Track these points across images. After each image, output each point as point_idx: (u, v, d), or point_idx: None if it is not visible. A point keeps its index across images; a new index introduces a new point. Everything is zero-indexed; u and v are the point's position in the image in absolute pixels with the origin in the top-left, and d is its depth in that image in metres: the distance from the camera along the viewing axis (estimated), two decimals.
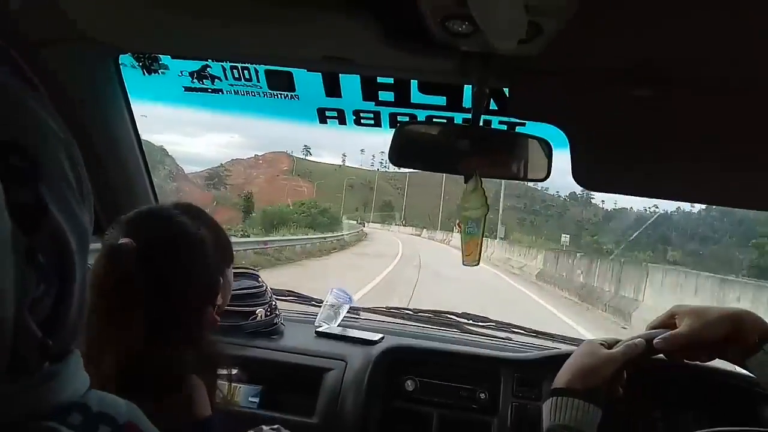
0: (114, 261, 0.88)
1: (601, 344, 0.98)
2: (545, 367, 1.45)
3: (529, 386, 1.49)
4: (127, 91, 1.33)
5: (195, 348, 0.95)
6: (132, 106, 1.37)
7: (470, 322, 2.08)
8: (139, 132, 1.38)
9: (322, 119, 1.34)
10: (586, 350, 0.97)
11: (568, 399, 0.89)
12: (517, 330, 2.08)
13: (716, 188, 1.18)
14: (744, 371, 0.97)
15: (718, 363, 1.03)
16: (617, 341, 0.98)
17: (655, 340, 0.95)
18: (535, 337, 2.03)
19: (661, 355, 0.96)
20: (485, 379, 1.55)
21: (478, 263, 1.18)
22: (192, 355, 0.94)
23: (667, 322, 0.99)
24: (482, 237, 1.17)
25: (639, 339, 0.97)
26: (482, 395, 1.52)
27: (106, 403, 0.58)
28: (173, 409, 0.84)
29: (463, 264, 1.20)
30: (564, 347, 1.84)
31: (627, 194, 1.20)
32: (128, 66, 1.32)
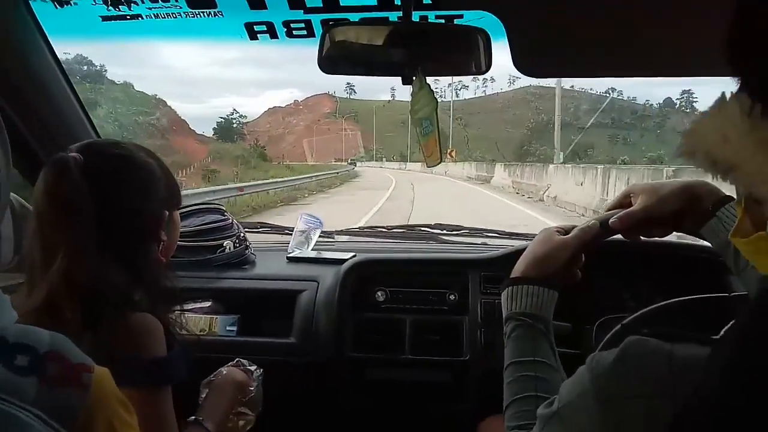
0: (60, 173, 0.88)
1: (557, 231, 0.97)
2: (511, 263, 1.45)
3: (496, 283, 1.51)
4: (43, 27, 1.26)
5: (141, 283, 0.94)
6: (51, 42, 1.29)
7: (444, 232, 2.09)
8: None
9: (252, 35, 1.27)
10: (541, 238, 0.97)
11: (523, 287, 0.90)
12: (491, 234, 2.10)
13: (651, 60, 1.14)
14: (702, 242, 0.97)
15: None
16: (573, 227, 0.98)
17: (610, 221, 0.94)
18: (509, 238, 2.05)
19: (619, 235, 0.97)
20: (453, 281, 1.58)
21: (441, 160, 1.17)
22: (139, 292, 0.94)
23: (623, 201, 0.98)
24: (438, 132, 1.14)
25: (593, 221, 0.96)
26: (452, 297, 1.55)
27: (26, 334, 0.57)
28: (117, 344, 0.84)
29: (427, 166, 1.19)
30: None
31: (567, 76, 1.17)
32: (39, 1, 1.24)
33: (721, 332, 0.62)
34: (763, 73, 0.43)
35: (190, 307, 1.63)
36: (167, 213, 1.02)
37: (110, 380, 0.61)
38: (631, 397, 0.53)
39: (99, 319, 0.85)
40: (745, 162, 0.43)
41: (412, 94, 1.13)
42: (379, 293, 1.57)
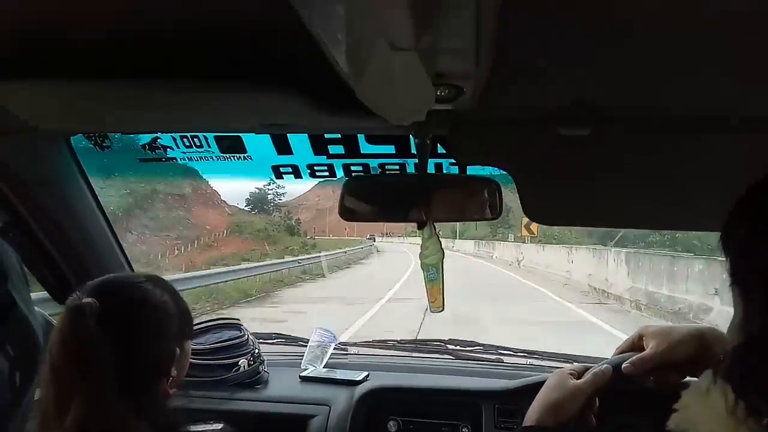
0: (77, 321, 0.89)
1: (570, 374, 0.98)
2: (525, 396, 1.45)
3: (509, 416, 1.50)
4: (84, 167, 1.36)
5: (148, 419, 0.94)
6: (91, 180, 1.40)
7: (458, 348, 2.08)
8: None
9: (278, 175, 1.36)
10: (554, 383, 0.97)
11: None
12: (505, 352, 2.08)
13: (653, 215, 1.20)
14: None
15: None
16: (586, 369, 0.99)
17: (623, 365, 0.95)
18: (524, 357, 2.03)
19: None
20: (467, 412, 1.56)
21: (443, 308, 1.21)
22: (147, 427, 0.94)
23: (636, 344, 0.99)
24: (443, 282, 1.19)
25: (606, 366, 0.97)
26: (465, 430, 1.53)
27: None
28: None
29: (431, 311, 1.23)
30: (551, 364, 1.84)
31: (575, 225, 1.21)
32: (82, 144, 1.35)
33: None
34: (745, 369, 0.47)
35: (201, 429, 1.62)
36: (178, 351, 1.03)
37: None
38: None
39: None
40: None
41: (422, 240, 1.19)
42: (391, 423, 1.56)
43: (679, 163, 1.06)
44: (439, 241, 1.17)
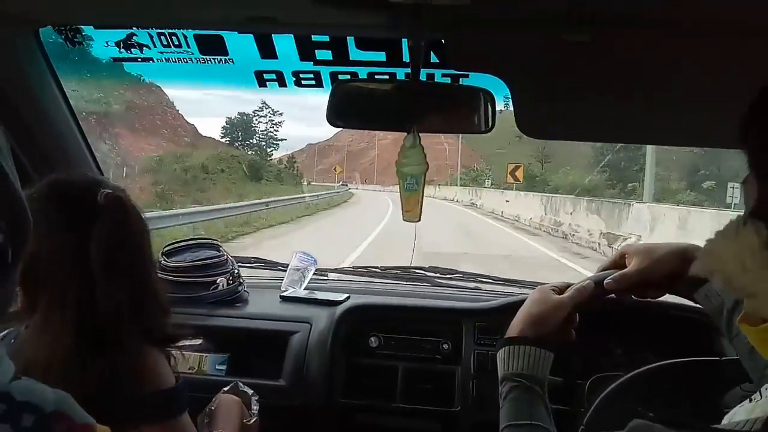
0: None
1: (552, 289, 0.98)
2: (505, 314, 1.46)
3: (490, 334, 1.52)
4: (53, 65, 1.28)
5: (141, 319, 0.95)
6: (61, 79, 1.31)
7: (437, 275, 2.10)
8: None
9: (261, 83, 1.30)
10: (536, 297, 0.98)
11: (519, 347, 0.90)
12: (484, 279, 2.11)
13: (655, 129, 1.18)
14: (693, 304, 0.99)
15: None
16: (568, 285, 0.99)
17: (605, 281, 0.96)
18: (503, 284, 2.06)
19: (613, 295, 0.98)
20: (448, 330, 1.58)
21: (419, 219, 1.20)
22: (142, 327, 0.95)
23: (618, 262, 1.00)
24: (422, 193, 1.18)
25: (588, 281, 0.98)
26: (445, 346, 1.55)
27: (32, 392, 0.57)
28: (132, 377, 0.87)
29: (404, 219, 1.22)
30: (528, 292, 1.87)
31: (571, 140, 1.19)
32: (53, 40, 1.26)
33: (723, 421, 0.63)
34: None
35: (180, 344, 1.62)
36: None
37: None
38: None
39: (120, 350, 0.87)
40: (763, 293, 0.45)
41: (402, 148, 1.16)
42: (372, 338, 1.57)
43: (681, 73, 1.03)
44: (423, 153, 1.15)
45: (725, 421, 0.67)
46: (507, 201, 23.05)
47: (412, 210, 1.15)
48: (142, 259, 0.96)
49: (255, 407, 1.19)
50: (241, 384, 1.22)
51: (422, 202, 1.15)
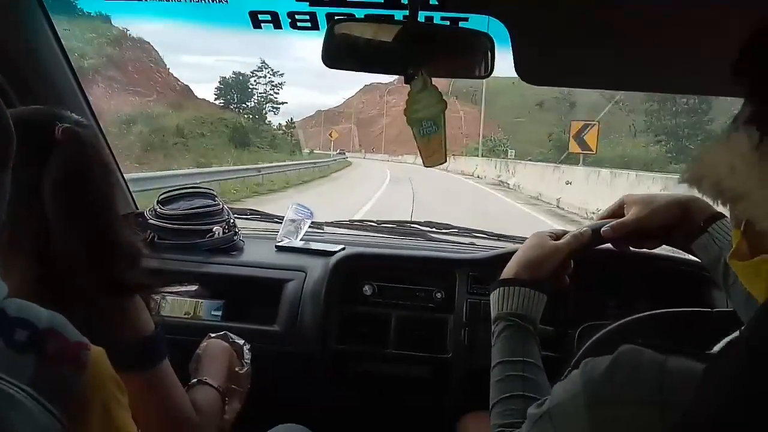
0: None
1: (549, 235, 0.99)
2: (498, 264, 1.46)
3: (483, 283, 1.54)
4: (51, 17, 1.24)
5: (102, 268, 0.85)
6: (52, 17, 1.28)
7: (433, 230, 2.10)
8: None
9: (256, 24, 1.26)
10: (533, 242, 0.98)
11: (513, 288, 0.91)
12: (479, 234, 2.12)
13: (657, 75, 1.16)
14: (691, 256, 0.99)
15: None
16: (565, 232, 0.99)
17: (602, 229, 0.95)
18: (497, 239, 2.07)
19: (609, 244, 0.98)
20: (441, 279, 1.59)
21: (445, 160, 1.13)
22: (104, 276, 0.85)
23: (617, 211, 0.99)
24: (445, 133, 1.11)
25: (585, 229, 0.98)
26: (438, 295, 1.57)
27: (25, 309, 0.58)
28: (101, 327, 0.77)
29: (425, 165, 1.14)
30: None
31: (571, 86, 1.17)
32: None
33: (715, 348, 0.64)
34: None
35: (175, 290, 1.63)
36: None
37: (106, 360, 0.62)
38: (621, 402, 0.54)
39: (81, 299, 0.79)
40: (752, 192, 0.44)
41: (410, 94, 1.13)
42: (366, 287, 1.58)
43: (686, 18, 1.00)
44: (438, 92, 1.10)
45: (716, 349, 0.68)
46: (568, 183, 15.02)
47: (435, 153, 1.09)
48: (102, 202, 0.86)
49: (247, 356, 1.16)
50: (231, 335, 1.18)
51: (446, 144, 1.09)
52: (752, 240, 0.50)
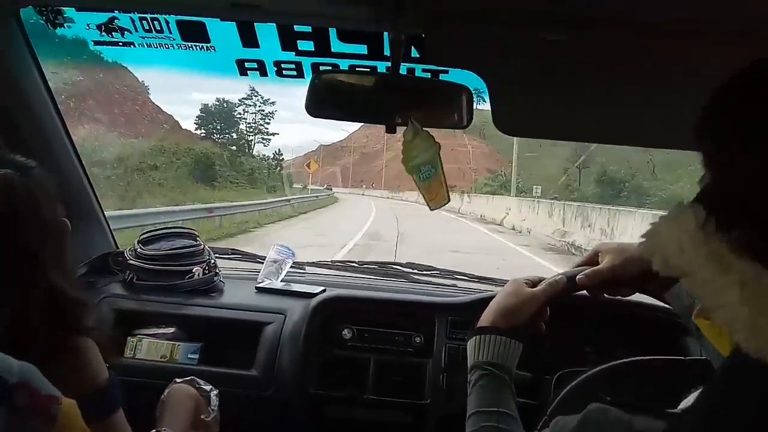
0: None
1: (525, 282, 1.00)
2: (478, 309, 1.47)
3: (462, 328, 1.54)
4: (33, 47, 1.26)
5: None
6: (41, 61, 1.30)
7: (415, 271, 2.11)
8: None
9: (242, 71, 1.30)
10: (509, 290, 0.99)
11: (490, 336, 0.91)
12: (461, 276, 2.13)
13: (631, 129, 1.20)
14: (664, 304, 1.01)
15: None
16: (541, 279, 1.01)
17: (577, 277, 0.97)
18: (479, 282, 2.08)
19: (585, 292, 1.00)
20: (420, 323, 1.59)
21: (449, 200, 1.14)
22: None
23: (592, 259, 1.01)
24: (443, 174, 1.12)
25: (561, 276, 0.99)
26: (417, 339, 1.57)
27: None
28: (65, 376, 0.75)
29: (431, 209, 1.15)
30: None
31: (547, 138, 1.22)
32: (34, 22, 1.25)
33: (679, 406, 0.65)
34: (716, 188, 0.48)
35: (152, 332, 1.61)
36: None
37: (76, 411, 0.62)
38: None
39: (62, 342, 0.80)
40: (697, 272, 0.46)
41: (404, 143, 1.15)
42: (345, 331, 1.58)
43: (658, 74, 1.06)
44: (429, 135, 1.11)
45: (681, 406, 0.70)
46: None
47: (437, 195, 1.09)
48: (27, 257, 0.79)
49: (215, 403, 1.14)
50: (198, 380, 1.15)
51: (446, 184, 1.10)
52: None
